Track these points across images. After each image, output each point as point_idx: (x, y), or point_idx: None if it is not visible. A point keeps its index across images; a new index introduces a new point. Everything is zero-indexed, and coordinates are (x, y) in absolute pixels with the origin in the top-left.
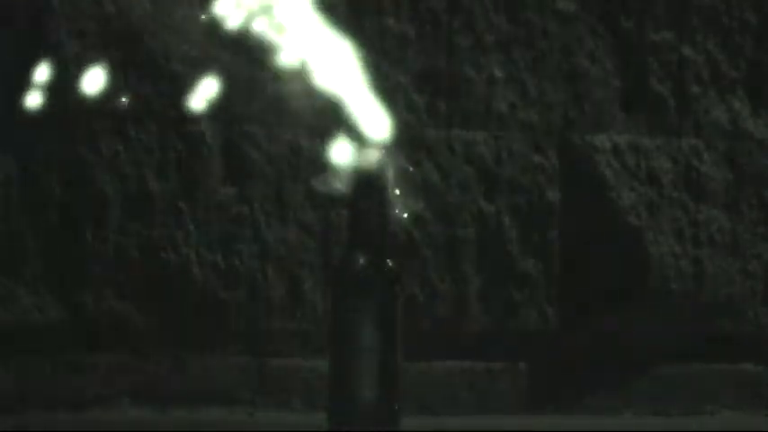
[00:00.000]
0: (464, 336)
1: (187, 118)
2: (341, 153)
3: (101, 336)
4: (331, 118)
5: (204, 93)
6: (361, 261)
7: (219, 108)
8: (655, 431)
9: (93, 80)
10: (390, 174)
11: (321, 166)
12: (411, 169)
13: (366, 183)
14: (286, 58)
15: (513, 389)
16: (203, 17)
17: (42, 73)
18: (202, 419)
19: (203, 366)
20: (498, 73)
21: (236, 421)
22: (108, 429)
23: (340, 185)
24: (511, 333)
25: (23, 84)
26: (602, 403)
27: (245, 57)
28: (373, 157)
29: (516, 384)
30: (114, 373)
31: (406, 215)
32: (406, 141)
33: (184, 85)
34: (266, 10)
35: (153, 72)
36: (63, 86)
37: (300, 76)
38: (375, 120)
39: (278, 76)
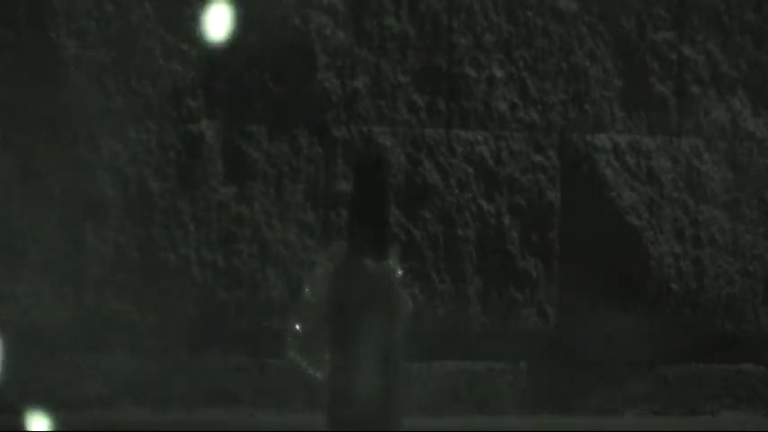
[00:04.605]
0: (464, 336)
1: (187, 118)
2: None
3: (101, 336)
4: None
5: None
6: (362, 261)
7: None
8: (655, 431)
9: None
10: (391, 175)
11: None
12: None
13: (367, 184)
14: None
15: (513, 389)
16: None
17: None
18: (202, 419)
19: (203, 366)
20: (498, 73)
21: (236, 421)
22: (108, 429)
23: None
24: (511, 333)
25: (24, 84)
26: (602, 403)
27: None
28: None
29: (516, 384)
30: (114, 373)
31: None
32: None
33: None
34: None
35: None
36: (63, 86)
37: None
38: None
39: None
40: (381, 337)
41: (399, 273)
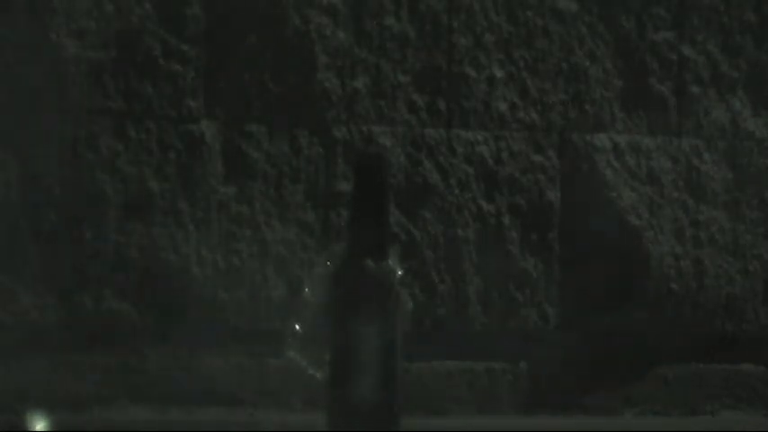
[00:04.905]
0: (464, 336)
1: (187, 118)
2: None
3: (101, 336)
4: None
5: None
6: (362, 261)
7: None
8: (655, 431)
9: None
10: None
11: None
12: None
13: (367, 184)
14: None
15: (513, 389)
16: None
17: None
18: (202, 419)
19: (203, 366)
20: (498, 73)
21: (236, 421)
22: (108, 429)
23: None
24: (511, 333)
25: (23, 84)
26: (602, 403)
27: None
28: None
29: (516, 384)
30: (114, 373)
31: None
32: (407, 141)
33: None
34: None
35: (153, 72)
36: (63, 86)
37: None
38: None
39: None
40: (381, 337)
41: (399, 273)
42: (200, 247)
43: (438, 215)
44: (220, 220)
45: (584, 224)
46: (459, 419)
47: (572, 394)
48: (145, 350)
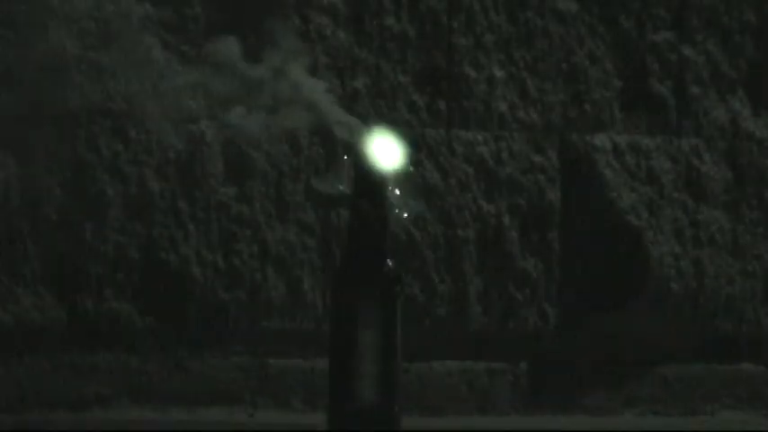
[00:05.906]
0: (464, 336)
1: (187, 118)
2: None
3: (101, 336)
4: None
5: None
6: (362, 261)
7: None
8: (655, 431)
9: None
10: (391, 174)
11: (322, 166)
12: (411, 169)
13: (367, 183)
14: None
15: (513, 389)
16: None
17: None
18: (202, 419)
19: (203, 366)
20: (498, 73)
21: (236, 421)
22: (108, 429)
23: (340, 185)
24: (511, 333)
25: (23, 83)
26: (602, 403)
27: None
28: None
29: (516, 384)
30: (114, 373)
31: (406, 215)
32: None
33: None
34: None
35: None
36: (63, 86)
37: None
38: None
39: None
40: (381, 338)
41: (399, 271)
42: (200, 247)
43: (438, 215)
44: (220, 220)
45: (584, 224)
46: (459, 419)
47: (572, 394)
48: (145, 350)
